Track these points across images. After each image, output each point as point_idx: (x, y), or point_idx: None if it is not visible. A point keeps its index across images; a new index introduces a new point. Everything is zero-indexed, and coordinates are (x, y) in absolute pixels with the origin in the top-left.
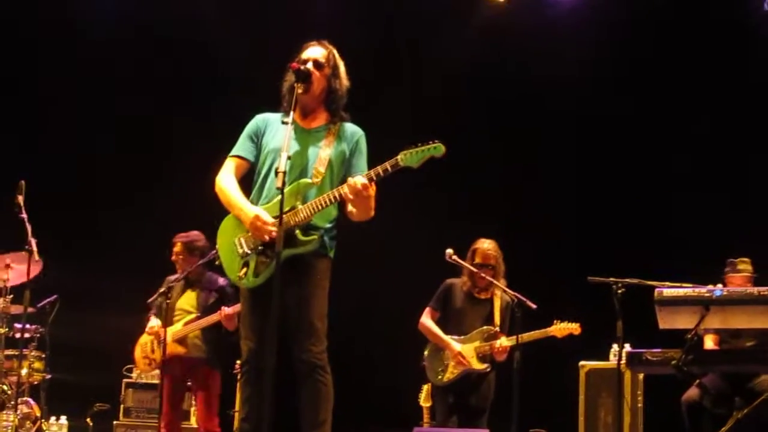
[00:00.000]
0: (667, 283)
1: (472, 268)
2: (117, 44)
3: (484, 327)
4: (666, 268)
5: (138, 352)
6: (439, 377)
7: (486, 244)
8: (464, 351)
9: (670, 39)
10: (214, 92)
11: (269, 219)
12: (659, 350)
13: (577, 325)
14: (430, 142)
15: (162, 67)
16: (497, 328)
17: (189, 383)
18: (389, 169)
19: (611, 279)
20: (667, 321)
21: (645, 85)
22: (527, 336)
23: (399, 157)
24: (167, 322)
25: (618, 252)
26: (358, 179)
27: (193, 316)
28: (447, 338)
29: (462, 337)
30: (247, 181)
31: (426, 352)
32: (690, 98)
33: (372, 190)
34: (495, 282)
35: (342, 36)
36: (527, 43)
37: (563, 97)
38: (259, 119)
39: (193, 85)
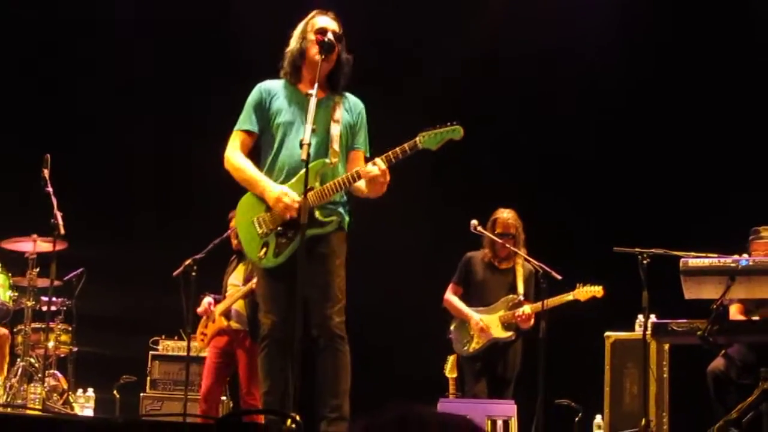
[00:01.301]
0: (693, 253)
1: (495, 238)
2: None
3: (508, 296)
4: (691, 237)
5: (198, 330)
6: (466, 348)
7: (505, 214)
8: (488, 321)
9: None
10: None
11: (295, 196)
12: (685, 320)
13: (600, 287)
14: (449, 124)
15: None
16: (521, 297)
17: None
18: (408, 150)
19: (637, 249)
20: (693, 291)
21: (668, 48)
22: (551, 301)
23: (417, 138)
24: (222, 296)
25: (643, 222)
26: (378, 165)
27: (237, 289)
28: (468, 310)
29: (486, 307)
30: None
31: (452, 326)
32: (716, 63)
33: (388, 175)
34: (516, 250)
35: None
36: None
37: (584, 63)
38: (263, 89)
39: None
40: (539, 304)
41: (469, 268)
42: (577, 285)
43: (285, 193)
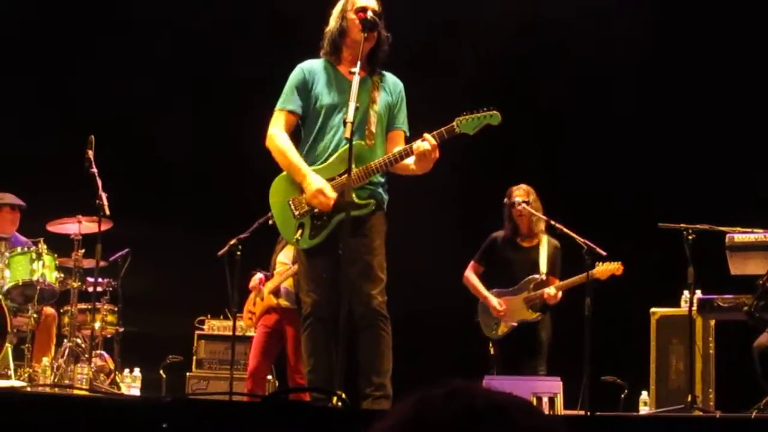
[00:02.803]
0: (738, 229)
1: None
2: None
3: (531, 276)
4: (737, 213)
5: (245, 308)
6: (493, 331)
7: (516, 186)
8: (513, 303)
9: None
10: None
11: (332, 194)
12: (731, 296)
13: (619, 263)
14: (486, 109)
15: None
16: (543, 276)
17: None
18: (445, 135)
19: (682, 225)
20: (739, 266)
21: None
22: (570, 282)
23: (455, 123)
24: (271, 275)
25: (689, 197)
26: (429, 140)
27: (287, 267)
28: (486, 293)
29: (511, 288)
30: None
31: (479, 308)
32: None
33: (438, 151)
34: (532, 211)
35: None
36: None
37: (624, 41)
38: (305, 69)
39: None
40: (563, 282)
41: (493, 247)
42: (597, 263)
43: (323, 190)
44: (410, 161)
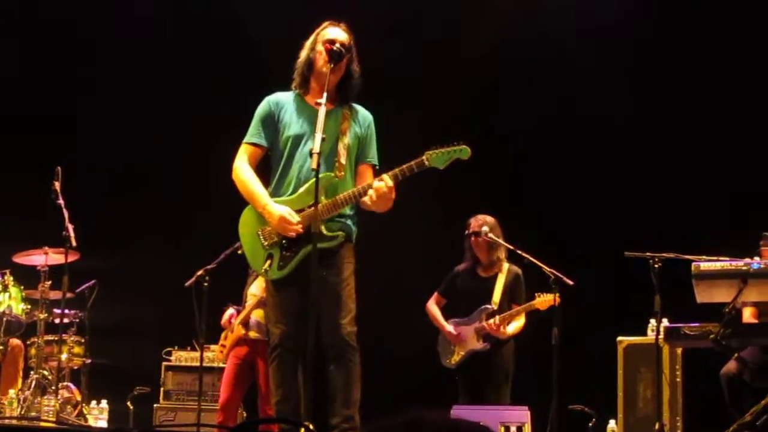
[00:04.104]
0: (704, 257)
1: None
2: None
3: (484, 306)
4: (702, 241)
5: (219, 342)
6: (448, 360)
7: (474, 217)
8: (465, 332)
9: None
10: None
11: (295, 218)
12: (697, 324)
13: (555, 295)
14: (455, 144)
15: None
16: (494, 306)
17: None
18: (414, 168)
19: (648, 253)
20: (705, 295)
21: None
22: (510, 313)
23: (425, 157)
24: (242, 307)
25: (654, 226)
26: (384, 182)
27: (257, 299)
28: (442, 321)
29: (465, 318)
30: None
31: (439, 338)
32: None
33: (394, 192)
34: (488, 239)
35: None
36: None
37: (589, 65)
38: (272, 101)
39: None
40: (507, 313)
41: (454, 279)
42: (536, 294)
43: (282, 216)
44: (366, 199)
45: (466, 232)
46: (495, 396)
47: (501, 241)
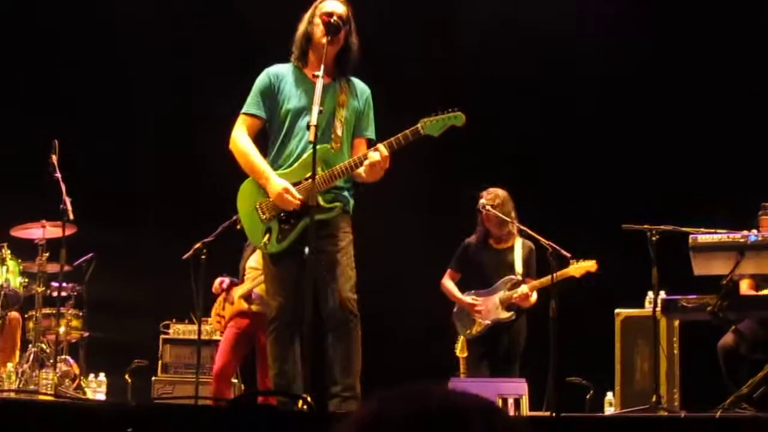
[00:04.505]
0: (702, 229)
1: (490, 213)
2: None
3: (508, 276)
4: (700, 213)
5: (212, 312)
6: (468, 331)
7: (486, 190)
8: (489, 302)
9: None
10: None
11: (296, 193)
12: (695, 296)
13: (594, 261)
14: (450, 110)
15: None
16: (519, 276)
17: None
18: (410, 137)
19: (646, 226)
20: (702, 267)
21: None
22: (545, 280)
23: (419, 125)
24: (240, 281)
25: (652, 198)
26: (380, 151)
27: (259, 272)
28: (460, 296)
29: (486, 289)
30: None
31: (455, 308)
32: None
33: (388, 161)
34: (498, 214)
35: None
36: None
37: (589, 44)
38: (271, 73)
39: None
40: (538, 282)
41: (466, 252)
42: (571, 261)
43: (287, 190)
44: (361, 170)
45: (477, 205)
46: (509, 368)
47: (503, 216)
